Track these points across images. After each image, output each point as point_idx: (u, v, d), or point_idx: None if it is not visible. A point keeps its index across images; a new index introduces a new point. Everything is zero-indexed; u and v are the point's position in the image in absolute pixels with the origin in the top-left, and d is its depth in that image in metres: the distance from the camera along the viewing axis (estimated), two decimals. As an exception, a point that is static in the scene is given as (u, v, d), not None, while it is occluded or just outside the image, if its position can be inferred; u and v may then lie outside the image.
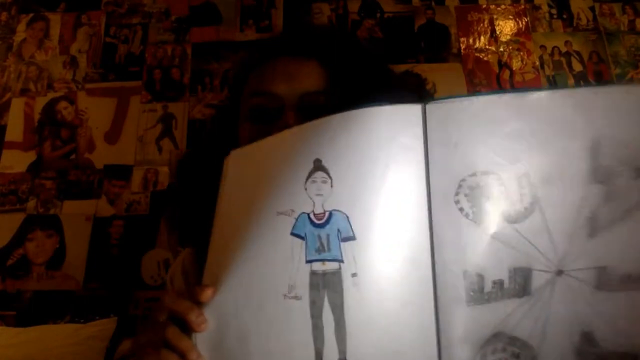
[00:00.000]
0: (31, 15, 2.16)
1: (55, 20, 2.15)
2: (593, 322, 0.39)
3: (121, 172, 1.89)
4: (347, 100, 0.53)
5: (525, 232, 0.40)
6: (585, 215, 0.40)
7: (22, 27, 2.15)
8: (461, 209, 0.41)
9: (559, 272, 0.40)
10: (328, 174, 0.42)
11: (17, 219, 1.84)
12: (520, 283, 0.40)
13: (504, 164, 0.41)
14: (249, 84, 0.61)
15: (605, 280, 0.39)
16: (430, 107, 0.41)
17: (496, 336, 0.40)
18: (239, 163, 0.48)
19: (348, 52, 0.62)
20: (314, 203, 0.42)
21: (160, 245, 1.80)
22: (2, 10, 2.18)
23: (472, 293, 0.40)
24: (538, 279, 0.40)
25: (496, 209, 0.41)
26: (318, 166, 0.42)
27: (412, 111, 0.42)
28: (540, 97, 0.42)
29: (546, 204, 0.40)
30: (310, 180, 0.42)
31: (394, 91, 0.62)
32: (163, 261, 1.77)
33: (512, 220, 0.41)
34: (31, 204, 1.86)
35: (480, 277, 0.40)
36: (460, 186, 0.41)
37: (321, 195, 0.42)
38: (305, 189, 0.42)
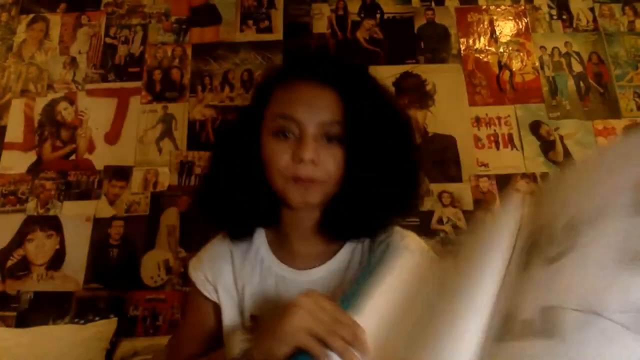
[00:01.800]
0: (31, 16, 2.17)
1: (55, 21, 2.15)
2: None
3: (121, 173, 1.89)
4: (358, 130, 0.65)
5: (560, 269, 0.38)
6: (628, 250, 0.36)
7: (22, 28, 2.15)
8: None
9: (595, 314, 0.35)
10: None
11: (17, 219, 1.84)
12: (550, 323, 0.37)
13: None
14: (275, 99, 0.69)
15: None
16: None
17: None
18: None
19: (364, 86, 0.69)
20: None
21: (159, 246, 1.80)
22: (2, 11, 2.19)
23: (501, 329, 0.39)
24: (571, 320, 0.36)
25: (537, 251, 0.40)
26: None
27: None
28: None
29: (586, 241, 0.38)
30: None
31: (400, 122, 0.72)
32: (163, 262, 1.77)
33: (549, 260, 0.39)
34: (31, 204, 1.86)
35: (511, 315, 0.39)
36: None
37: None
38: None
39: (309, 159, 0.63)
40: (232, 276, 0.75)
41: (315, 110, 0.65)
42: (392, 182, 0.68)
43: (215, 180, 0.73)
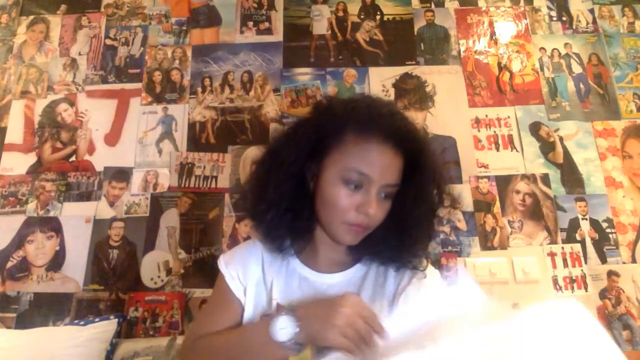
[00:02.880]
0: (31, 17, 2.17)
1: (56, 22, 2.16)
2: None
3: (121, 174, 1.89)
4: (408, 194, 0.77)
5: None
6: None
7: (22, 30, 2.16)
8: None
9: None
10: None
11: (17, 220, 1.84)
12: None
13: None
14: (350, 147, 0.75)
15: None
16: None
17: None
18: None
19: (423, 156, 0.78)
20: None
21: (159, 247, 1.79)
22: (2, 13, 2.19)
23: None
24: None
25: None
26: None
27: None
28: None
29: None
30: None
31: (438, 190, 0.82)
32: (163, 263, 1.77)
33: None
34: (31, 206, 1.86)
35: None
36: None
37: None
38: None
39: (372, 215, 0.74)
40: (261, 274, 0.84)
41: (386, 175, 0.74)
42: (416, 233, 0.80)
43: (264, 195, 0.79)
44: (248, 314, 0.82)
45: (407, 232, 0.79)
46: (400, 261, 0.82)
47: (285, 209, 0.79)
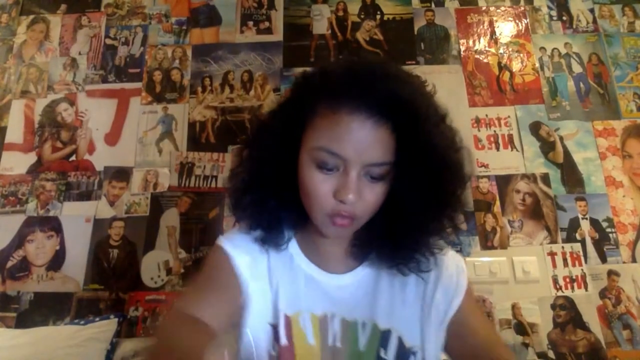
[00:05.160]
0: (31, 17, 2.17)
1: (56, 22, 2.16)
2: None
3: (121, 174, 1.89)
4: (408, 171, 0.62)
5: None
6: None
7: (22, 29, 2.15)
8: None
9: None
10: None
11: (17, 220, 1.84)
12: None
13: None
14: (320, 123, 0.63)
15: None
16: None
17: None
18: None
19: (422, 121, 0.61)
20: None
21: (160, 247, 1.80)
22: (2, 12, 2.19)
23: None
24: None
25: None
26: None
27: None
28: None
29: None
30: None
31: (452, 164, 0.65)
32: (163, 262, 1.77)
33: None
34: (31, 205, 1.86)
35: None
36: None
37: None
38: None
39: (351, 201, 0.61)
40: (267, 271, 0.74)
41: (364, 152, 0.60)
42: (431, 221, 0.68)
43: (249, 186, 0.70)
44: (252, 320, 0.70)
45: (411, 221, 0.66)
46: (410, 262, 0.70)
47: (266, 198, 0.69)
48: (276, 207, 0.70)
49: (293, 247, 0.76)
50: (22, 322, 1.70)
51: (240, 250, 0.73)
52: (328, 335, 0.70)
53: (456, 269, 0.76)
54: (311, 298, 0.72)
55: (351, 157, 0.60)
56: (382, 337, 0.70)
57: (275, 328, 0.70)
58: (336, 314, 0.72)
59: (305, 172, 0.64)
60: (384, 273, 0.74)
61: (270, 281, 0.73)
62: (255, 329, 0.70)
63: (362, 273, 0.75)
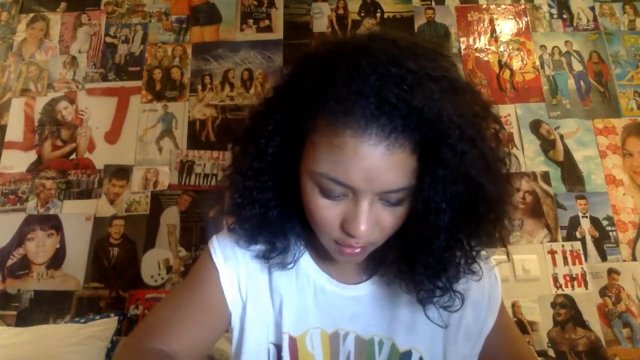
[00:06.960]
0: (31, 15, 2.17)
1: (56, 20, 2.15)
2: None
3: (121, 172, 1.89)
4: (433, 196, 0.49)
5: None
6: None
7: (22, 27, 2.15)
8: None
9: None
10: None
11: (18, 218, 1.84)
12: None
13: None
14: (320, 142, 0.49)
15: None
16: None
17: None
18: None
19: (456, 146, 0.47)
20: None
21: (160, 245, 1.80)
22: (2, 10, 2.19)
23: None
24: None
25: None
26: None
27: None
28: None
29: None
30: None
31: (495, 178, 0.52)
32: (163, 261, 1.77)
33: None
34: (31, 203, 1.86)
35: None
36: None
37: None
38: None
39: (363, 235, 0.50)
40: (268, 290, 0.64)
41: (376, 180, 0.47)
42: (462, 242, 0.56)
43: (245, 198, 0.59)
44: (249, 345, 0.62)
45: (438, 245, 0.53)
46: (432, 296, 0.57)
47: (267, 211, 0.58)
48: (280, 218, 0.59)
49: (301, 254, 0.65)
50: (23, 320, 1.70)
51: (232, 265, 0.64)
52: (339, 355, 0.62)
53: (489, 279, 0.66)
54: (321, 313, 0.63)
55: (361, 187, 0.48)
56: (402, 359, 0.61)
57: (278, 348, 0.62)
58: (350, 330, 0.63)
59: (307, 193, 0.52)
60: (405, 283, 0.61)
61: (272, 298, 0.64)
62: (253, 351, 0.62)
63: (380, 282, 0.64)
